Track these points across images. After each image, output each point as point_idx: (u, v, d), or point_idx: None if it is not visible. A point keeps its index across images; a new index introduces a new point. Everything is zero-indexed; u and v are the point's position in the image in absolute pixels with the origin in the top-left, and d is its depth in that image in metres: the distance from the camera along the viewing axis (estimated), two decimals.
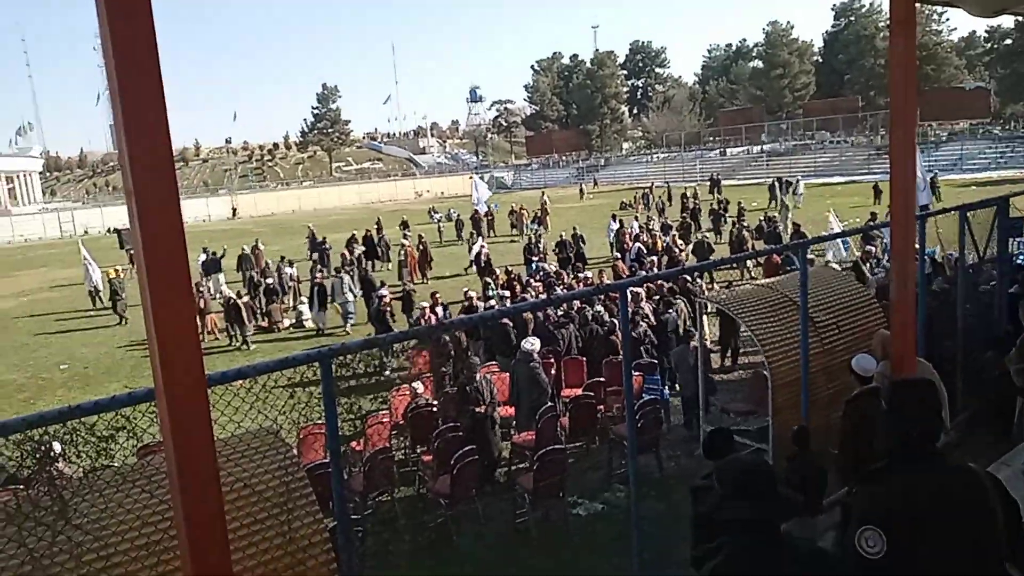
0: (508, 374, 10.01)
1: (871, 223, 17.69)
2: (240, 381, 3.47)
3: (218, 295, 20.48)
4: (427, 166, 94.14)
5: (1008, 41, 66.05)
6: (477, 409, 8.47)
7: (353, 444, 8.81)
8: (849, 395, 5.23)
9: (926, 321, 7.83)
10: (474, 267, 22.52)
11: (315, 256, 26.11)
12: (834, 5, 77.75)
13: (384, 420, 9.04)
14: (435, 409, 9.36)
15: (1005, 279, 8.90)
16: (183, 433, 2.23)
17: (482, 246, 23.21)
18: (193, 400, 2.24)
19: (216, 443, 3.86)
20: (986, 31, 70.25)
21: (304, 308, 18.88)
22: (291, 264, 22.88)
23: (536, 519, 7.50)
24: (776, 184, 33.85)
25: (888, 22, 4.50)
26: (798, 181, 36.17)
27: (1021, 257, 12.24)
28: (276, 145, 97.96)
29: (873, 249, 15.72)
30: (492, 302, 14.72)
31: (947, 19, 71.22)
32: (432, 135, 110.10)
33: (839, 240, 16.96)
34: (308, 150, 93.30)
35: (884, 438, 2.49)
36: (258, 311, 19.04)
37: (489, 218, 34.27)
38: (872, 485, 2.48)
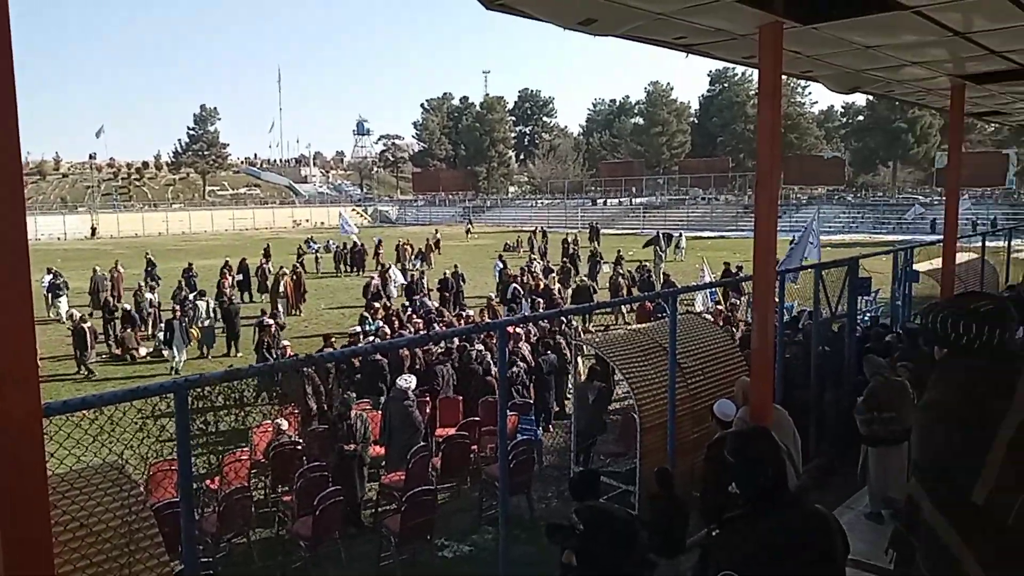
0: (380, 412, 9.77)
1: (737, 276, 18.73)
2: (84, 411, 3.19)
3: (65, 318, 19.03)
4: (308, 195, 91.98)
5: (860, 117, 72.66)
6: (346, 447, 8.19)
7: (208, 482, 8.30)
8: (711, 440, 5.42)
9: (783, 370, 8.30)
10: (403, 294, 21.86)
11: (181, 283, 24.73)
12: (710, 71, 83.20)
13: (243, 457, 8.58)
14: (299, 447, 8.98)
15: (854, 333, 9.58)
16: (13, 465, 2.00)
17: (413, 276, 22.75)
18: (27, 430, 2.02)
19: (51, 478, 3.52)
20: (842, 106, 77.12)
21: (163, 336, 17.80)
22: (152, 290, 21.59)
23: (401, 561, 7.27)
24: (659, 236, 35.57)
25: (757, 91, 4.81)
26: (680, 235, 38.05)
27: (868, 314, 13.27)
28: (146, 164, 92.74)
29: (738, 302, 16.63)
30: (370, 337, 14.45)
31: (809, 92, 77.67)
32: (315, 164, 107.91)
33: (707, 291, 17.84)
34: (181, 171, 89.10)
35: (738, 486, 2.59)
36: (111, 337, 17.82)
37: (364, 248, 33.80)
38: (730, 531, 2.55)
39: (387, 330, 14.35)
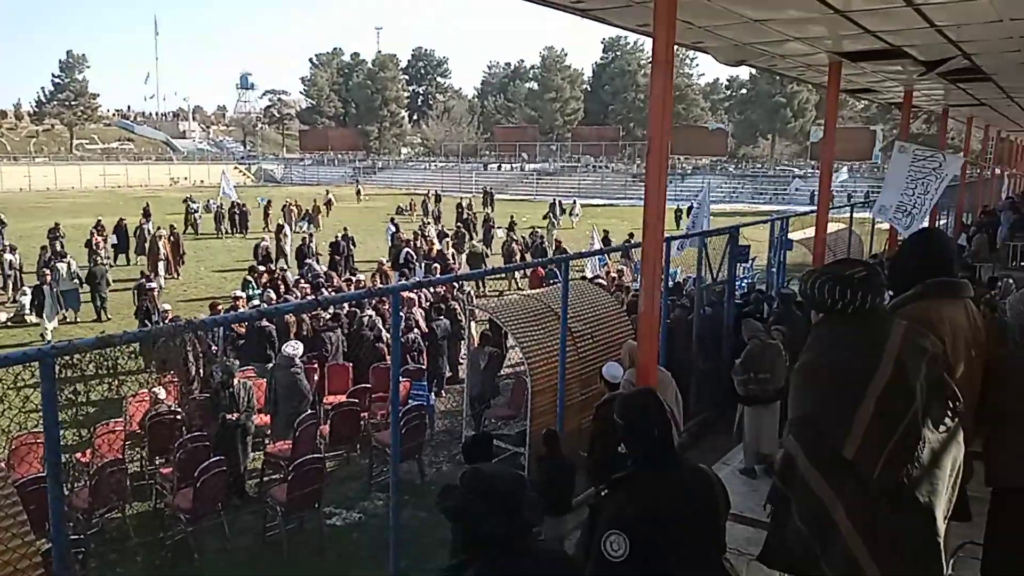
0: (265, 380, 9.46)
1: (628, 243, 19.21)
2: None
3: None
4: (187, 151, 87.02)
5: (743, 91, 75.57)
6: (229, 416, 7.89)
7: (79, 455, 7.81)
8: (599, 401, 5.55)
9: (667, 333, 8.59)
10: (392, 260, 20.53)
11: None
12: (603, 39, 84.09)
13: (117, 428, 8.12)
14: (179, 417, 8.58)
15: (733, 298, 10.03)
16: None
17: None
18: None
19: None
20: (727, 79, 79.93)
21: (26, 300, 16.51)
22: (12, 250, 19.94)
23: (288, 531, 7.12)
24: (555, 204, 36.26)
25: (650, 60, 4.86)
26: (575, 203, 38.71)
27: (746, 280, 13.90)
28: (4, 113, 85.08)
29: (625, 269, 17.06)
30: (255, 302, 13.92)
31: (697, 64, 79.95)
32: (194, 119, 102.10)
33: (596, 257, 18.20)
34: (45, 123, 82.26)
35: (627, 447, 2.66)
36: None
37: (247, 209, 32.46)
38: (618, 491, 2.61)
39: (272, 295, 13.87)
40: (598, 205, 50.30)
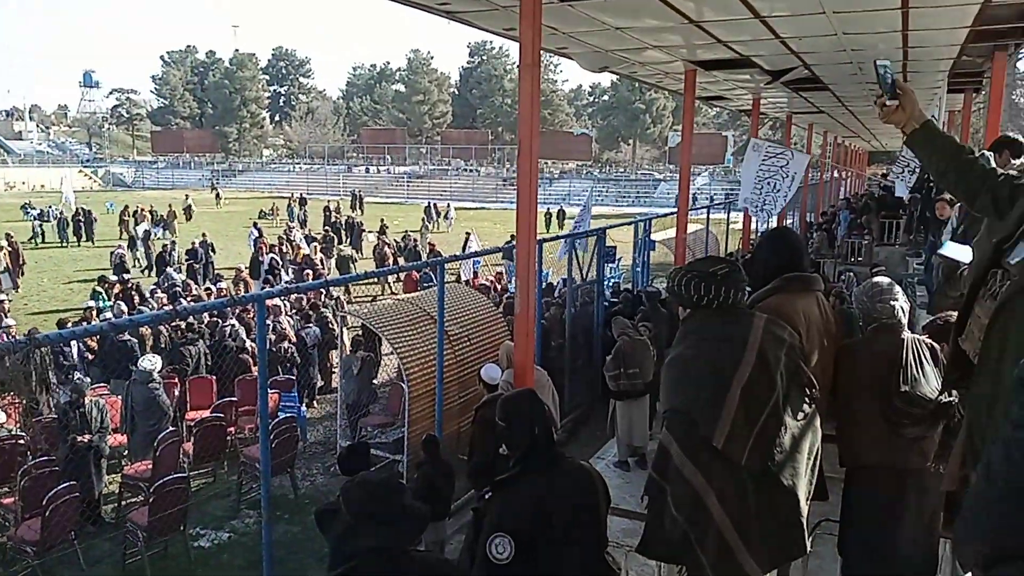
0: (121, 398, 8.83)
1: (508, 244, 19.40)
2: None
3: None
4: (23, 154, 79.86)
5: (605, 97, 78.24)
6: (80, 438, 7.30)
7: None
8: (479, 403, 5.55)
9: (542, 333, 8.74)
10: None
11: None
12: (469, 43, 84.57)
13: None
14: (22, 441, 7.86)
15: (602, 298, 10.34)
16: None
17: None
18: None
19: None
20: (590, 86, 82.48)
21: None
22: None
23: (151, 557, 6.67)
24: (431, 207, 36.19)
25: (516, 65, 4.92)
26: (449, 206, 38.70)
27: (614, 279, 14.37)
28: None
29: (501, 271, 17.22)
30: (107, 315, 12.98)
31: (561, 70, 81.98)
32: (31, 118, 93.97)
33: (471, 260, 18.27)
34: None
35: (508, 448, 2.68)
36: None
37: (93, 215, 30.27)
38: (501, 493, 2.62)
39: (123, 307, 12.98)
40: (470, 208, 50.49)
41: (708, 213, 16.94)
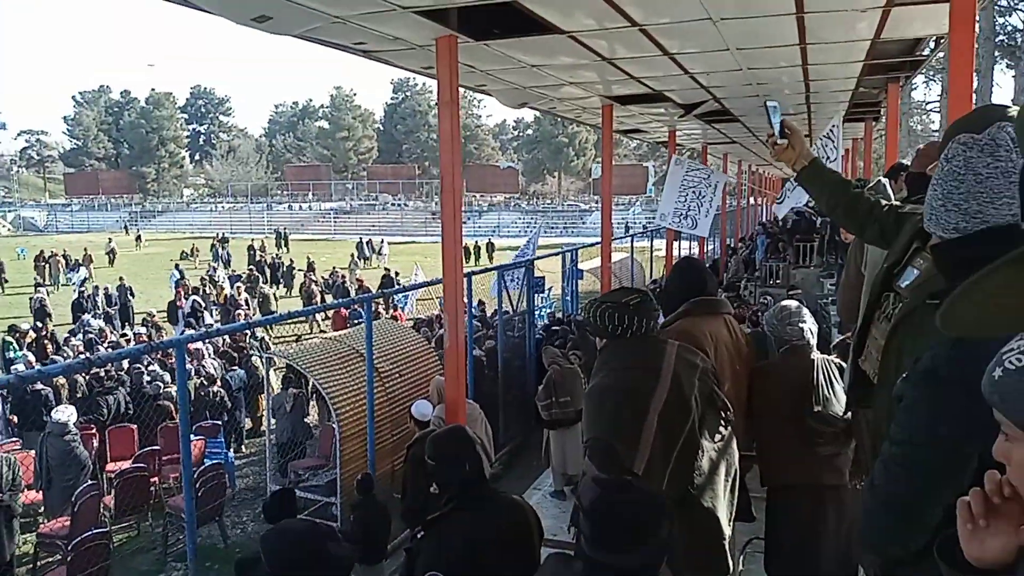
0: (35, 452, 8.39)
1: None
2: None
3: None
4: None
5: (529, 131, 79.48)
6: None
7: None
8: (410, 441, 5.52)
9: (475, 366, 8.75)
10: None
11: None
12: (393, 79, 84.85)
13: None
14: None
15: (533, 328, 10.44)
16: None
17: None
18: None
19: None
20: (514, 121, 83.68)
21: None
22: None
23: None
24: (362, 243, 35.89)
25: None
26: (383, 241, 38.43)
27: (544, 310, 14.52)
28: None
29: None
30: (18, 366, 12.37)
31: (485, 105, 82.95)
32: None
33: (404, 295, 18.18)
34: None
35: (439, 486, 2.68)
36: None
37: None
38: (433, 532, 2.62)
39: (31, 357, 12.40)
40: (400, 243, 50.29)
41: (632, 242, 17.35)
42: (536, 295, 11.21)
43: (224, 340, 12.43)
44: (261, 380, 10.99)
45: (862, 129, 12.64)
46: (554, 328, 11.31)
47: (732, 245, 21.36)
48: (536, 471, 7.97)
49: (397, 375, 8.23)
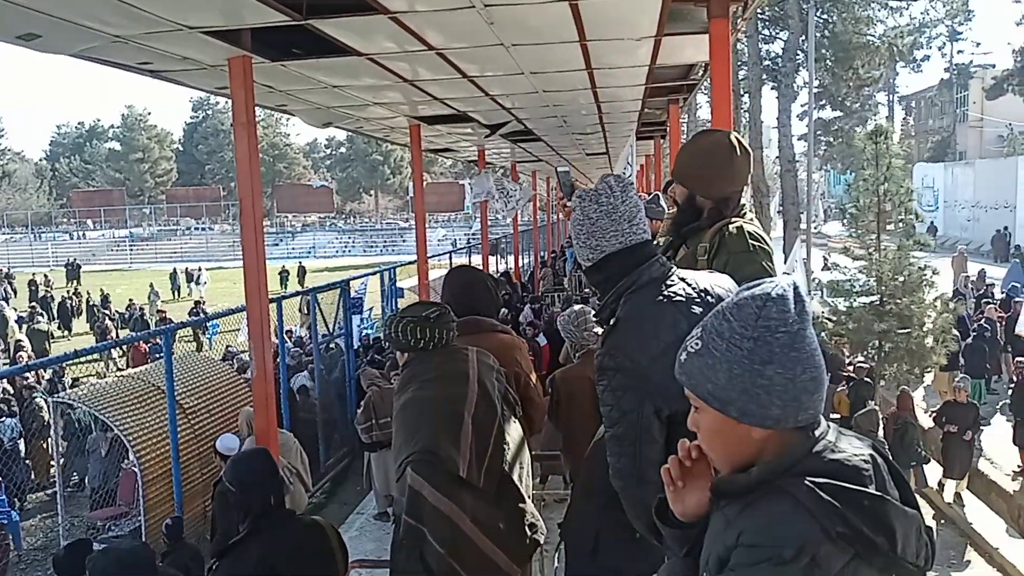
0: None
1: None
2: None
3: None
4: None
5: (343, 149, 78.10)
6: None
7: None
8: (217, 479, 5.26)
9: (289, 394, 8.47)
10: None
11: None
12: (192, 98, 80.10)
13: None
14: None
15: (352, 350, 10.27)
16: None
17: None
18: None
19: None
20: (327, 139, 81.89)
21: None
22: None
23: None
24: (176, 273, 33.47)
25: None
26: (201, 269, 35.88)
27: (365, 330, 14.32)
28: None
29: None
30: None
31: (293, 124, 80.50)
32: None
33: (214, 324, 17.15)
34: None
35: (239, 511, 2.62)
36: None
37: None
38: (229, 559, 2.56)
39: None
40: (209, 269, 47.46)
41: (451, 258, 17.58)
42: (354, 316, 11.05)
43: None
44: (44, 426, 9.94)
45: (652, 147, 13.68)
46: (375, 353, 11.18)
47: (544, 258, 22.25)
48: (360, 496, 7.86)
49: (204, 410, 7.78)
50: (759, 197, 22.88)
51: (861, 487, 1.15)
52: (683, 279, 1.91)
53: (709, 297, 1.87)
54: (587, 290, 17.59)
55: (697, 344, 1.26)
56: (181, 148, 79.55)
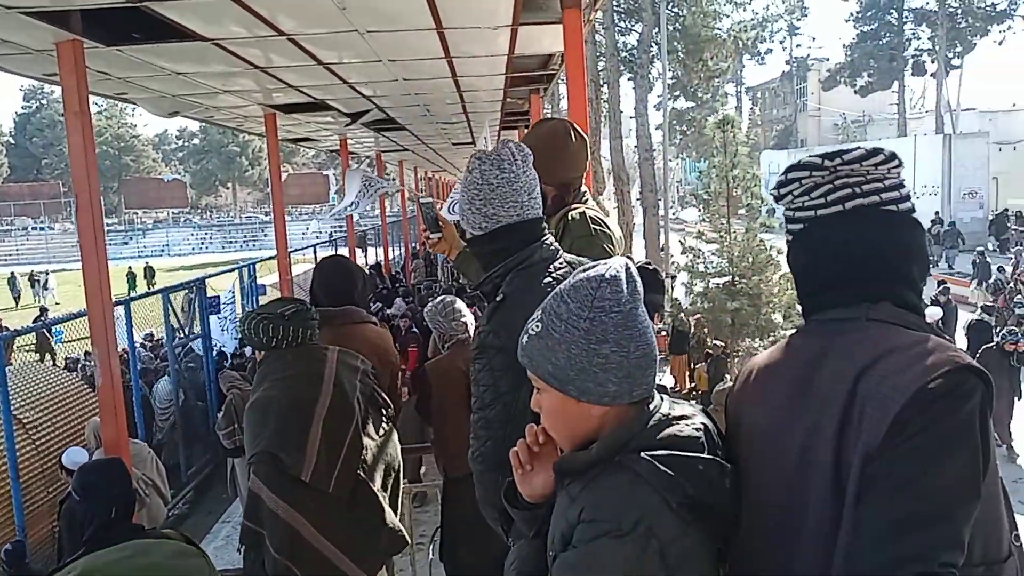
0: None
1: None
2: None
3: None
4: None
5: (196, 141, 74.03)
6: None
7: None
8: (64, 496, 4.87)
9: (143, 402, 7.98)
10: None
11: None
12: (23, 87, 73.45)
13: None
14: None
15: (210, 352, 9.79)
16: None
17: None
18: None
19: None
20: (178, 130, 77.29)
21: None
22: None
23: None
24: (14, 278, 30.49)
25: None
26: (48, 273, 32.76)
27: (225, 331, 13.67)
28: None
29: None
30: None
31: (140, 114, 75.51)
32: None
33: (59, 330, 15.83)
34: None
35: (85, 523, 2.44)
36: None
37: None
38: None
39: None
40: (51, 271, 43.76)
41: (315, 251, 17.09)
42: (211, 316, 10.53)
43: None
44: None
45: (517, 137, 13.84)
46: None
47: (415, 249, 22.07)
48: (225, 503, 7.53)
49: (48, 424, 7.21)
50: (620, 185, 23.61)
51: (697, 454, 1.21)
52: (569, 264, 1.89)
53: None
54: (460, 280, 17.63)
55: (538, 326, 1.29)
56: (12, 141, 72.85)
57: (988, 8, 41.28)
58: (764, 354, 1.42)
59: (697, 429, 1.26)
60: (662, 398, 1.33)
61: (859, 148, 1.29)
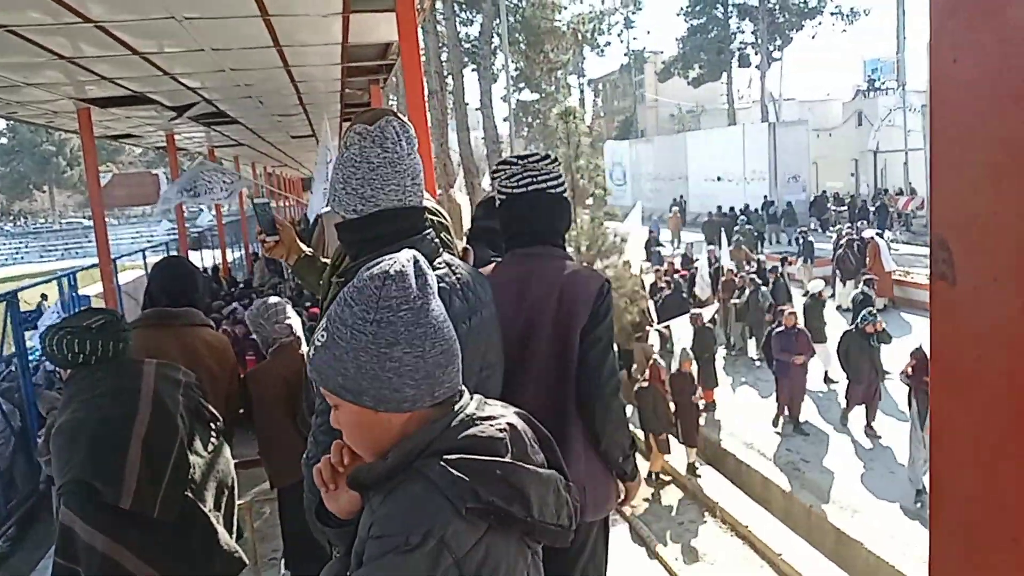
0: None
1: None
2: None
3: None
4: None
5: (4, 141, 67.03)
6: None
7: None
8: None
9: None
10: None
11: None
12: None
13: None
14: None
15: (28, 373, 8.87)
16: None
17: None
18: None
19: None
20: None
21: None
22: None
23: None
24: None
25: None
26: None
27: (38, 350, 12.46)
28: None
29: None
30: None
31: None
32: None
33: None
34: None
35: None
36: None
37: None
38: None
39: None
40: None
41: (144, 257, 15.94)
42: (30, 332, 9.55)
43: None
44: None
45: None
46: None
47: (256, 251, 21.12)
48: (53, 538, 6.86)
49: None
50: (469, 177, 23.72)
51: (495, 457, 1.14)
52: (448, 264, 1.73)
53: (468, 291, 1.72)
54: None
55: (323, 336, 1.18)
56: None
57: (802, 3, 44.71)
58: (493, 273, 2.17)
59: (501, 430, 1.18)
60: (472, 398, 1.25)
61: (538, 153, 2.26)
